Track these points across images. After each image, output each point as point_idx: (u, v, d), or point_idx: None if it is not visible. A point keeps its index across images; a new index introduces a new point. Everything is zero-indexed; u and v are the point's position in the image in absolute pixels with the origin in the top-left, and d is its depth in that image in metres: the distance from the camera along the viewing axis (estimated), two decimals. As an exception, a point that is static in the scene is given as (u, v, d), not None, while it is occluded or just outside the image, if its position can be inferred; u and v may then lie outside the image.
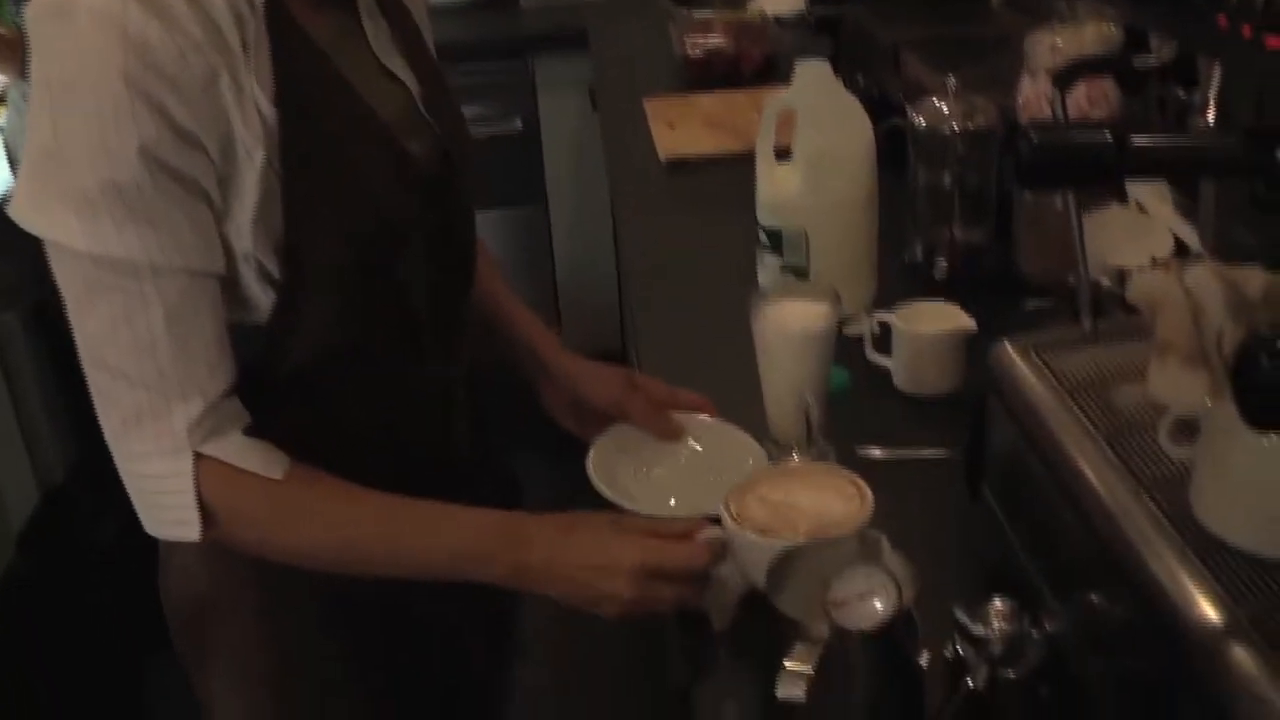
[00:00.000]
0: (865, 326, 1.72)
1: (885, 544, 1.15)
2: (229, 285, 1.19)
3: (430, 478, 1.31)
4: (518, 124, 3.87)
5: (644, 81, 3.12)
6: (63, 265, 1.14)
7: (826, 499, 1.28)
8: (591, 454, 1.49)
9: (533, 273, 4.07)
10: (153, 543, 1.33)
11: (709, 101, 2.87)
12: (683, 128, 2.72)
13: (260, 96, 1.14)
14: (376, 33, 1.31)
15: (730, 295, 1.60)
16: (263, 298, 1.20)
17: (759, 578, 1.26)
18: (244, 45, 1.13)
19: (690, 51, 3.15)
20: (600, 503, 1.40)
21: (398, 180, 1.27)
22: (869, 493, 1.28)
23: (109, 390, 1.18)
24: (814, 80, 1.80)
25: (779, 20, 3.32)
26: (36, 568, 3.08)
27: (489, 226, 4.31)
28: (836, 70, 1.82)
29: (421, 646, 1.46)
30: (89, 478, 3.26)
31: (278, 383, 1.25)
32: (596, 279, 4.02)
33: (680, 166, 2.57)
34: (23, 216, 1.12)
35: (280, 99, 1.15)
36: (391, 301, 1.30)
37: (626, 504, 1.39)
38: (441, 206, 1.34)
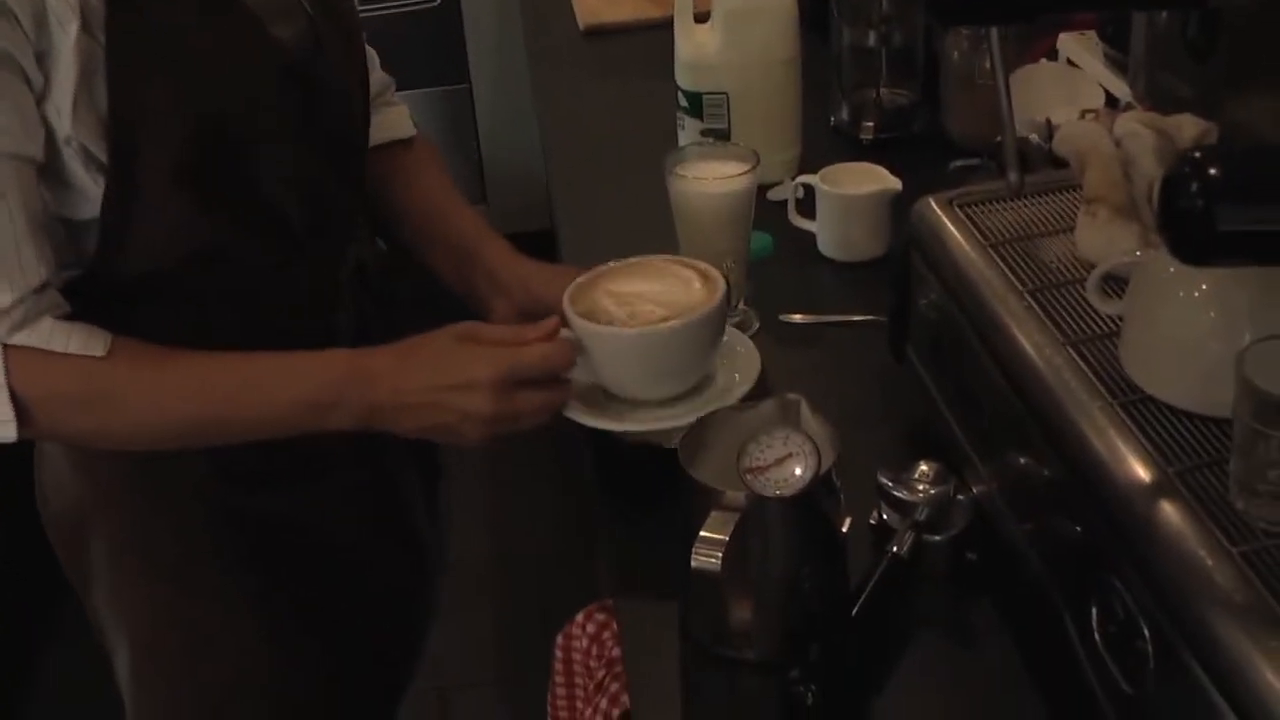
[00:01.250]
0: (789, 191, 1.66)
1: (804, 407, 1.11)
2: (53, 173, 1.10)
3: None
4: (436, -2, 3.76)
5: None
6: None
7: (675, 288, 1.24)
8: None
9: (459, 153, 3.97)
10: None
11: (628, -34, 2.78)
12: (602, -6, 2.63)
13: None
14: None
15: (652, 165, 1.54)
16: (92, 187, 1.11)
17: (614, 375, 1.23)
18: None
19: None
20: None
21: (252, 64, 1.18)
22: (718, 275, 1.25)
23: None
24: (732, -64, 1.73)
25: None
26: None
27: (410, 108, 4.23)
28: (757, -74, 1.74)
29: (324, 558, 1.37)
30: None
31: (131, 287, 1.16)
32: (523, 158, 3.92)
33: (599, 34, 2.49)
34: None
35: None
36: (248, 197, 1.19)
37: (632, 426, 1.25)
38: (310, 93, 1.24)
